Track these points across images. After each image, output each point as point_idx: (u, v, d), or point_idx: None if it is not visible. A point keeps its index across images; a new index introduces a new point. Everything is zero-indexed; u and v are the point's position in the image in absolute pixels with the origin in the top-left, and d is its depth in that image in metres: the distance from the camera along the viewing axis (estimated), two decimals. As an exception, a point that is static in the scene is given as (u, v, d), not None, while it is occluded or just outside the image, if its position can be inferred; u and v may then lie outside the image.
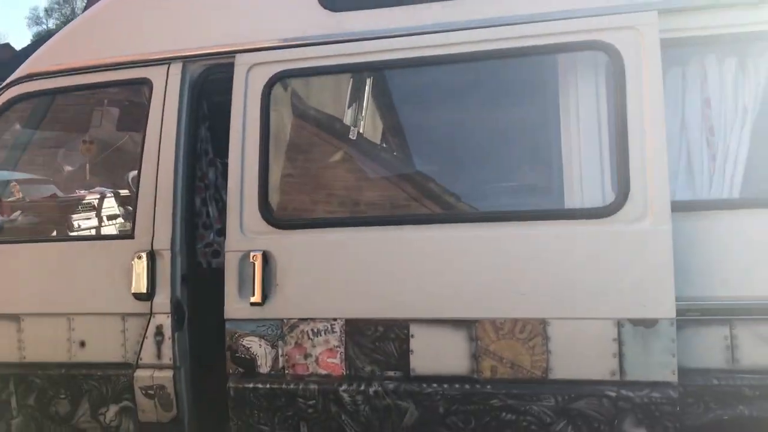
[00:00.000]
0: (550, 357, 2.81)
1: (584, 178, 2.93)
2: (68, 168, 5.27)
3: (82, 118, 4.71)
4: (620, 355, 2.74)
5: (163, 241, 3.32)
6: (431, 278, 2.92)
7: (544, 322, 2.82)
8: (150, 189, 3.37)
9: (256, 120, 3.20)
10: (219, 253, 3.76)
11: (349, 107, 3.43)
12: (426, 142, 3.51)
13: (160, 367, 3.31)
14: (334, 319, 3.04)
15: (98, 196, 5.08)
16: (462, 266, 2.90)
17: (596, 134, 2.93)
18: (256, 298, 3.09)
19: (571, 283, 2.79)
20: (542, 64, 3.14)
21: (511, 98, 3.36)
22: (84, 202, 5.04)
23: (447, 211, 3.26)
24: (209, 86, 3.53)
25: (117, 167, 5.27)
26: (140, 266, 3.30)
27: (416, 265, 2.94)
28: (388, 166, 3.45)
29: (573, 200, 2.94)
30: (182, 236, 3.38)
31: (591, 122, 2.95)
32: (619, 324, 2.75)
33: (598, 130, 2.93)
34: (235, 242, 3.16)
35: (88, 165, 5.10)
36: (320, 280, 3.04)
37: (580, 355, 2.79)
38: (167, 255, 3.31)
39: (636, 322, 2.74)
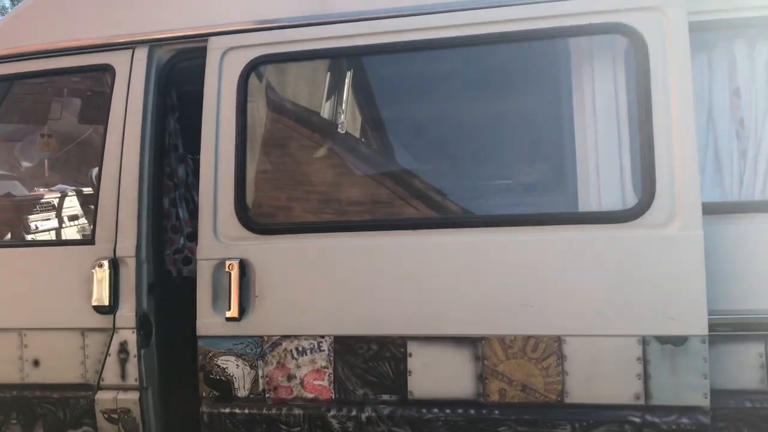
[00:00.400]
0: (566, 379, 2.50)
1: (601, 177, 2.62)
2: (26, 164, 4.84)
3: (40, 108, 4.30)
4: (645, 377, 2.44)
5: (126, 247, 2.97)
6: (431, 290, 2.59)
7: (559, 340, 2.51)
8: (112, 188, 3.01)
9: (232, 111, 2.86)
10: (190, 260, 3.41)
11: (337, 98, 3.08)
12: (424, 137, 3.17)
13: (125, 389, 2.95)
14: (322, 337, 2.70)
15: (59, 195, 4.66)
16: (465, 276, 2.58)
17: (615, 128, 2.62)
18: (233, 312, 2.75)
19: (589, 295, 2.48)
20: (553, 50, 2.83)
21: (517, 89, 3.04)
22: (42, 201, 4.62)
23: (447, 214, 2.93)
24: (179, 74, 3.18)
25: (80, 163, 4.85)
26: (101, 275, 2.94)
27: (414, 276, 2.61)
28: (382, 164, 3.11)
29: (589, 202, 2.63)
30: (149, 241, 3.02)
31: (609, 115, 2.64)
32: (644, 341, 2.44)
33: (616, 124, 2.62)
34: (208, 249, 2.81)
35: (47, 161, 4.67)
36: (305, 291, 2.71)
37: (600, 377, 2.48)
38: (132, 263, 2.96)
39: (663, 340, 2.43)
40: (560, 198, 2.81)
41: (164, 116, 3.23)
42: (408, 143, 3.16)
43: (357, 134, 3.21)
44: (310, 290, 2.70)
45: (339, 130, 2.95)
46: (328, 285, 2.68)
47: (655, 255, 2.45)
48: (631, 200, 2.56)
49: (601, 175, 2.63)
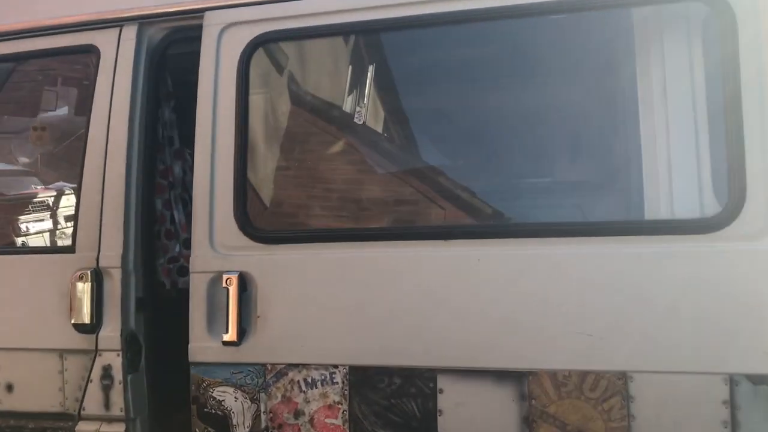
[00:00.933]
0: (632, 424, 2.05)
1: (674, 179, 2.16)
2: (23, 159, 4.44)
3: (31, 98, 3.89)
4: (733, 424, 1.98)
5: (111, 256, 2.56)
6: (467, 313, 2.16)
7: (624, 377, 2.05)
8: (95, 188, 2.60)
9: (231, 99, 2.45)
10: (187, 270, 2.97)
11: (357, 84, 2.63)
12: (459, 130, 2.72)
13: (109, 420, 2.55)
14: (335, 366, 2.27)
15: (54, 194, 4.27)
16: (507, 297, 2.14)
17: (691, 118, 2.16)
18: (231, 335, 2.34)
19: (661, 322, 2.02)
20: (611, 22, 2.36)
21: (567, 70, 2.57)
22: (36, 200, 4.23)
23: (486, 222, 2.47)
24: (176, 57, 2.80)
25: (79, 158, 4.42)
26: (82, 288, 2.55)
27: (447, 296, 2.17)
28: (407, 161, 2.66)
29: (658, 209, 2.17)
30: (138, 249, 2.62)
31: (683, 102, 2.18)
32: (732, 381, 1.98)
33: (693, 113, 2.16)
34: (202, 260, 2.40)
35: (41, 156, 4.27)
36: (316, 312, 2.29)
37: (675, 423, 2.02)
38: (117, 274, 2.55)
39: (757, 379, 1.97)
40: (622, 203, 2.36)
41: (157, 105, 2.83)
42: (440, 137, 2.71)
43: (380, 128, 2.77)
44: (321, 310, 2.28)
45: (356, 120, 2.51)
46: (343, 304, 2.26)
47: (744, 273, 1.99)
48: (713, 206, 2.09)
49: (674, 175, 2.17)
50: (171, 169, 2.91)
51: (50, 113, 3.94)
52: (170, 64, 2.89)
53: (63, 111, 3.92)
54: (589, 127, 2.61)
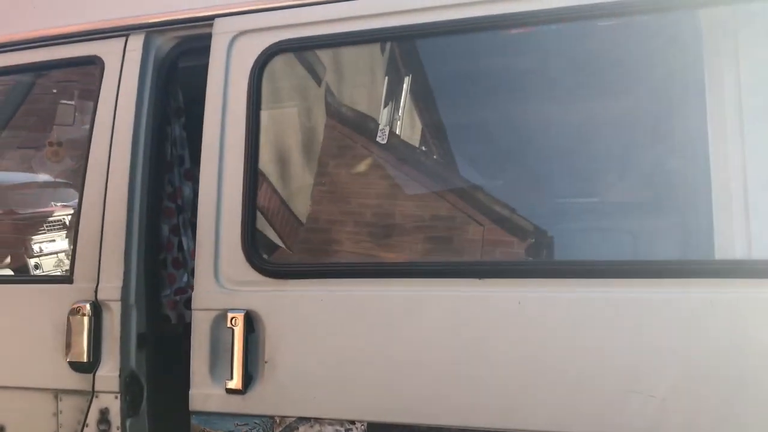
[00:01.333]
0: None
1: (752, 210, 1.82)
2: (44, 177, 4.27)
3: (46, 113, 3.72)
4: None
5: (110, 288, 2.32)
6: (507, 365, 1.85)
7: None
8: (94, 212, 2.37)
9: (242, 113, 2.20)
10: (195, 303, 2.73)
11: (383, 94, 2.36)
12: (504, 148, 2.41)
13: (106, 469, 2.29)
14: (352, 423, 1.98)
15: (71, 212, 4.07)
16: (555, 347, 1.84)
17: (773, 137, 1.81)
18: (236, 382, 2.07)
19: (741, 384, 1.68)
20: (674, 23, 2.04)
21: (625, 77, 2.23)
22: (51, 219, 4.04)
23: (529, 259, 2.15)
24: (188, 69, 2.56)
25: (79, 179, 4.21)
26: (79, 323, 2.31)
27: (484, 344, 1.87)
28: (447, 183, 2.35)
29: (732, 246, 1.82)
30: (141, 280, 2.38)
31: (763, 117, 1.83)
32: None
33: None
34: (205, 296, 2.14)
35: (57, 173, 4.08)
36: (333, 358, 2.01)
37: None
38: (116, 307, 2.31)
39: None
40: (686, 239, 2.02)
41: (166, 121, 2.59)
42: (485, 156, 2.40)
43: (414, 146, 2.48)
44: (339, 357, 2.00)
45: (379, 139, 2.22)
46: (364, 350, 1.98)
47: None
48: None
49: (752, 204, 1.82)
50: (180, 191, 2.66)
51: (66, 127, 3.76)
52: (182, 78, 2.65)
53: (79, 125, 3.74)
54: (648, 147, 2.28)
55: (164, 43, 2.45)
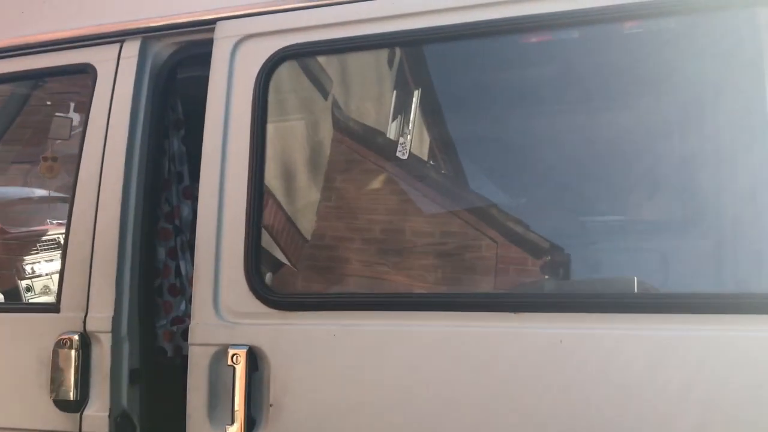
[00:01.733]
0: None
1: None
2: (39, 193, 4.07)
3: (41, 125, 3.53)
4: None
5: (101, 318, 2.10)
6: (543, 410, 1.63)
7: None
8: (84, 234, 2.17)
9: (245, 125, 2.00)
10: (194, 333, 2.51)
11: (401, 106, 2.14)
12: (538, 164, 2.19)
13: None
14: (369, 476, 1.74)
15: (34, 236, 3.84)
16: (597, 390, 1.61)
17: None
18: (237, 428, 1.86)
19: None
20: (726, 22, 1.81)
21: (673, 84, 2.01)
22: (45, 238, 3.83)
23: (570, 291, 1.91)
24: (187, 77, 2.38)
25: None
26: (65, 357, 2.10)
27: (519, 385, 1.65)
28: (470, 201, 2.13)
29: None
30: (134, 309, 2.16)
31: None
32: None
33: None
34: (204, 329, 1.93)
35: (52, 189, 3.88)
36: (347, 401, 1.78)
37: None
38: (107, 340, 2.09)
39: None
40: (745, 270, 1.79)
41: (163, 135, 2.39)
42: (516, 173, 2.17)
43: (434, 163, 2.25)
44: (354, 400, 1.77)
45: (399, 154, 2.00)
46: (383, 393, 1.75)
47: None
48: None
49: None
50: (178, 211, 2.45)
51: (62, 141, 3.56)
52: (181, 87, 2.46)
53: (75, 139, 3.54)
54: (692, 162, 2.05)
55: (162, 49, 2.26)
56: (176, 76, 2.32)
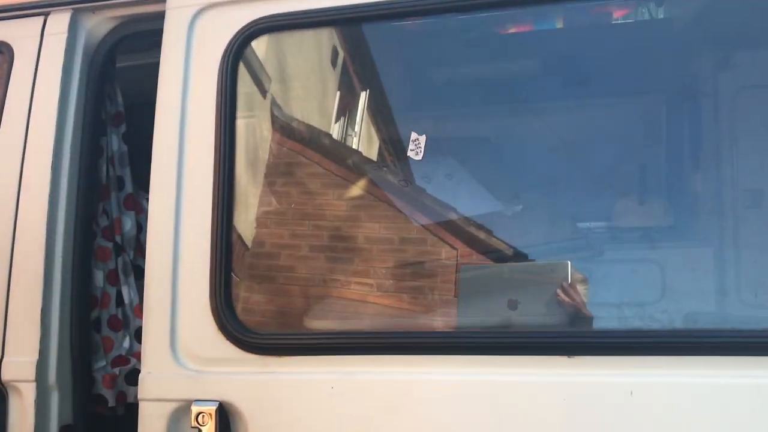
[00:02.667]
0: None
1: None
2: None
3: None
4: None
5: (21, 364, 1.73)
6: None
7: None
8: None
9: (209, 119, 1.63)
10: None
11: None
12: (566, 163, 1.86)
13: None
14: None
15: None
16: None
17: None
18: (204, 508, 1.44)
19: None
20: None
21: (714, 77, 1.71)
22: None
23: (642, 330, 1.56)
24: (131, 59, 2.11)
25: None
26: (-26, 415, 1.73)
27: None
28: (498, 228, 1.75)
29: None
30: (65, 350, 1.79)
31: None
32: None
33: None
34: (158, 380, 1.57)
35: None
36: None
37: None
38: (29, 390, 1.71)
39: None
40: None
41: (100, 131, 1.99)
42: (542, 180, 1.83)
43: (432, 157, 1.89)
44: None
45: (411, 154, 1.61)
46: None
47: None
48: None
49: None
50: (119, 225, 2.03)
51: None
52: (125, 74, 2.09)
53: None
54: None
55: (97, 25, 1.90)
56: (116, 58, 1.98)
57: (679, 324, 1.49)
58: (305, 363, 1.45)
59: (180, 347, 1.51)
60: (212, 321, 1.49)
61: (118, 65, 2.04)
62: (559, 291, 1.49)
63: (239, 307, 1.53)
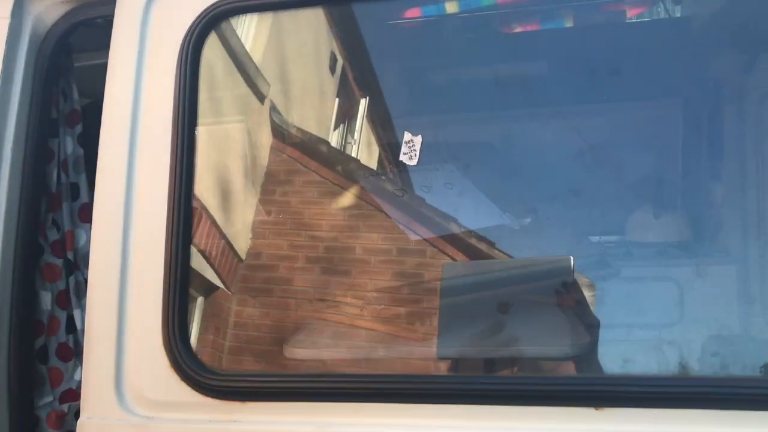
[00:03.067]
0: None
1: None
2: None
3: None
4: None
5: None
6: None
7: None
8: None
9: (166, 119, 1.39)
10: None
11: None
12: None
13: None
14: None
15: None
16: None
17: None
18: None
19: None
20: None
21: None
22: None
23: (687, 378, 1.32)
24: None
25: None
26: None
27: None
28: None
29: None
30: (2, 384, 1.56)
31: None
32: None
33: None
34: (99, 428, 1.35)
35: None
36: None
37: None
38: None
39: None
40: None
41: (50, 132, 1.76)
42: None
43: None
44: None
45: (405, 158, 1.38)
46: None
47: None
48: None
49: None
50: (71, 239, 1.79)
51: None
52: (81, 68, 1.89)
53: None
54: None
55: (46, 11, 1.68)
56: (70, 49, 1.76)
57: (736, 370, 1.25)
58: (277, 410, 1.20)
59: (127, 388, 1.27)
60: (165, 357, 1.25)
61: (83, 63, 1.84)
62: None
63: (197, 341, 1.29)
